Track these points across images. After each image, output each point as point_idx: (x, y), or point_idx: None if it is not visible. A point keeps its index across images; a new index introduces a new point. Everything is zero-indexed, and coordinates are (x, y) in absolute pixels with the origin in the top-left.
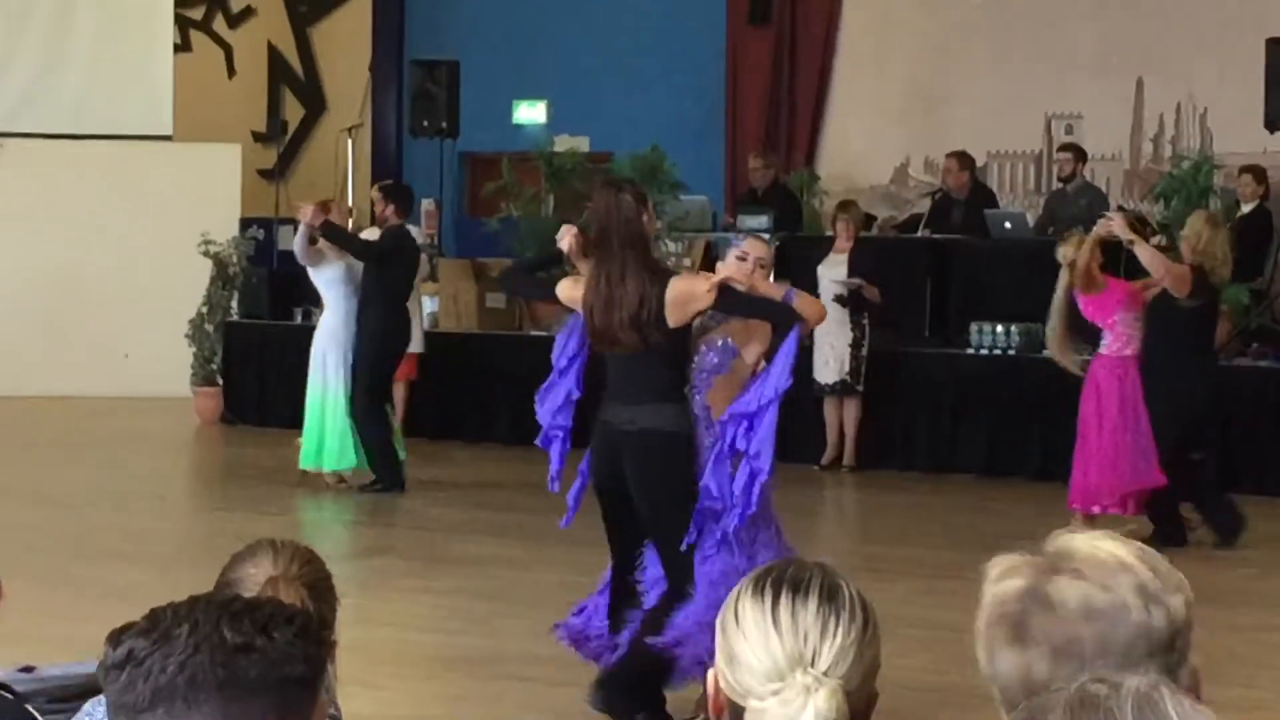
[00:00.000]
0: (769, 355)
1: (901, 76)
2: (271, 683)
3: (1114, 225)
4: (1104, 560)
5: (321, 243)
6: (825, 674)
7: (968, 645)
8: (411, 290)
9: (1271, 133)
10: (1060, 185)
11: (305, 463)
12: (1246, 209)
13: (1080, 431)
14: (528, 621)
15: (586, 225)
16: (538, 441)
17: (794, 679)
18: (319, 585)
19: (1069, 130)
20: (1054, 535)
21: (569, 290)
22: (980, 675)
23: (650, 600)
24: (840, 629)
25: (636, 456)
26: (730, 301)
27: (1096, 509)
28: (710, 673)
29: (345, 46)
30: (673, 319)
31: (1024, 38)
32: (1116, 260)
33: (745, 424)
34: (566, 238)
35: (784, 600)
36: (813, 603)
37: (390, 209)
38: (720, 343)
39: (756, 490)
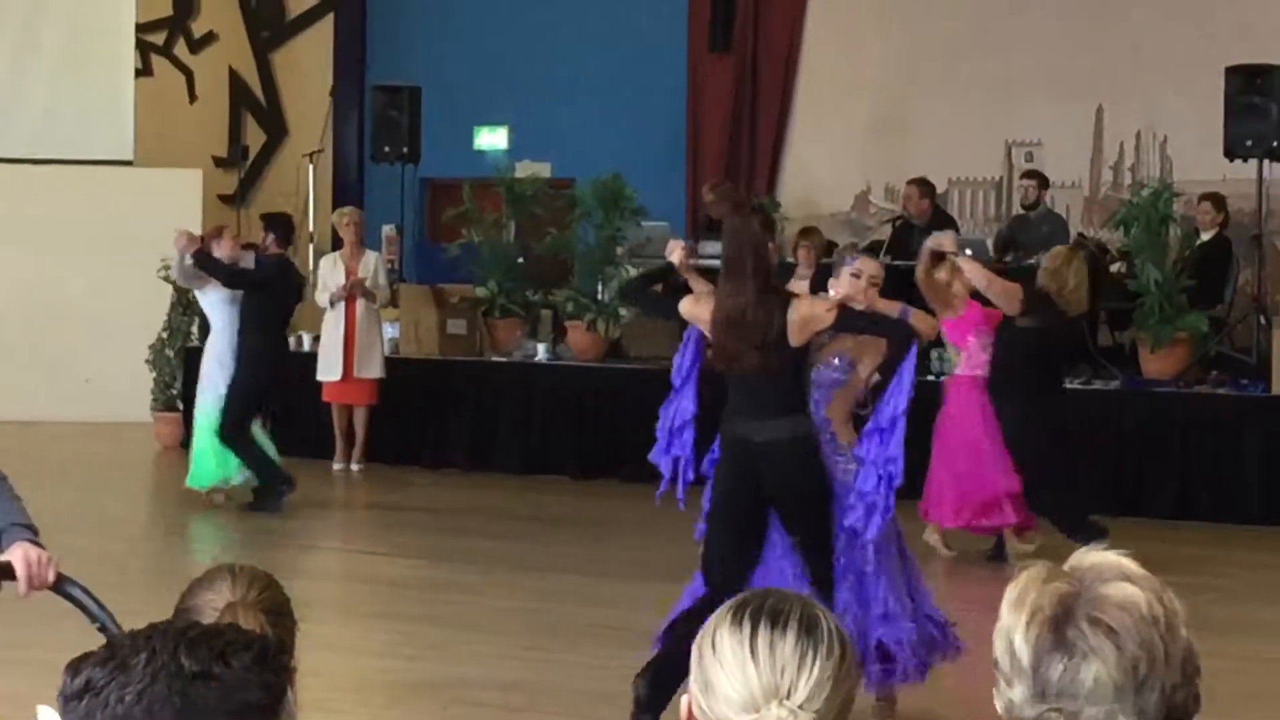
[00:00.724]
0: (883, 369)
1: (863, 103)
2: (230, 710)
3: (944, 241)
4: (1150, 576)
5: None
6: (800, 707)
7: None
8: (288, 318)
9: (1231, 161)
10: (1023, 212)
11: (195, 482)
12: (1206, 236)
13: (935, 447)
14: (486, 648)
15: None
16: (651, 456)
17: (768, 711)
18: (278, 610)
19: (1029, 158)
20: (1082, 551)
21: (690, 308)
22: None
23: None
24: (817, 662)
25: (771, 462)
26: (849, 320)
27: (948, 522)
28: (684, 699)
29: (307, 72)
30: (795, 339)
31: (985, 65)
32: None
33: (877, 439)
34: (676, 251)
35: (762, 631)
36: (791, 635)
37: (270, 238)
38: (837, 359)
39: (892, 493)
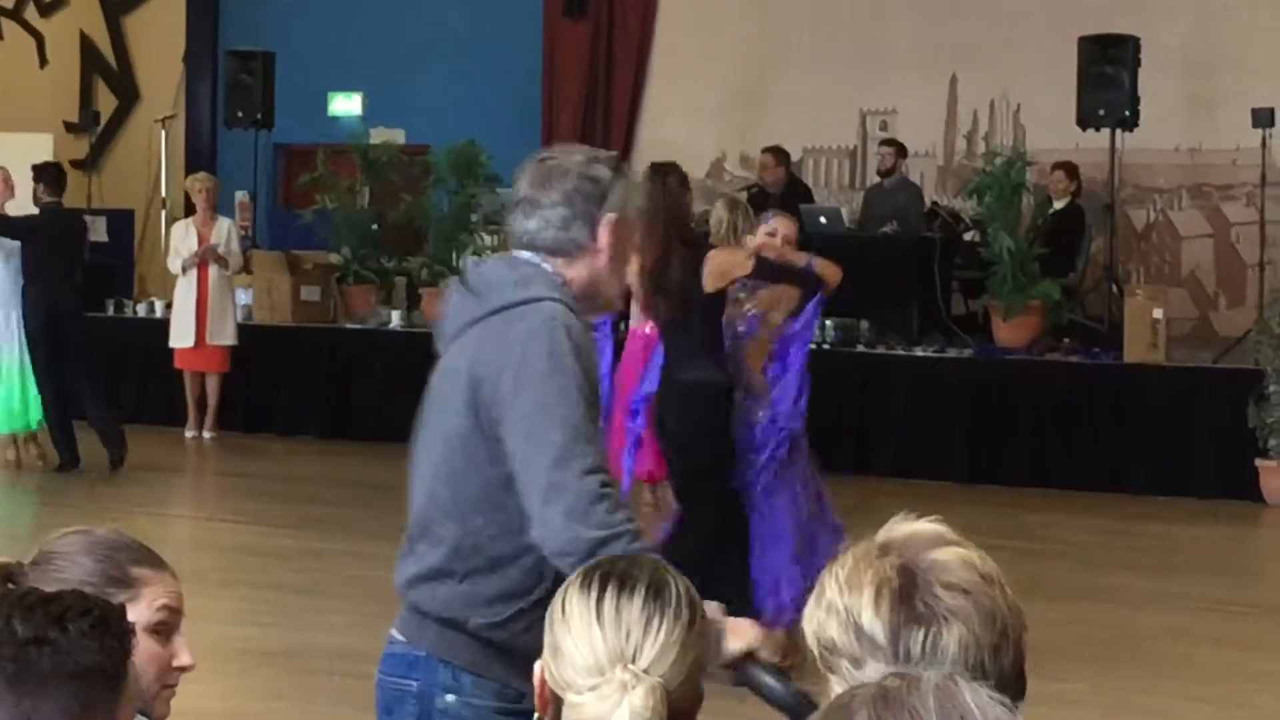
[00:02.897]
0: (795, 314)
1: (718, 71)
2: (65, 674)
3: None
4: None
5: None
6: (646, 671)
7: None
8: (70, 269)
9: (1084, 130)
10: (878, 180)
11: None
12: (1059, 205)
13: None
14: (336, 615)
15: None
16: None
17: (613, 675)
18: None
19: (884, 126)
20: (895, 521)
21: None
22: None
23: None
24: (664, 626)
25: (678, 405)
26: (764, 269)
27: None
28: (538, 665)
29: (159, 37)
30: (710, 286)
31: (840, 34)
32: None
33: (791, 386)
34: None
35: (609, 595)
36: (638, 599)
37: (40, 188)
38: (750, 313)
39: (804, 403)
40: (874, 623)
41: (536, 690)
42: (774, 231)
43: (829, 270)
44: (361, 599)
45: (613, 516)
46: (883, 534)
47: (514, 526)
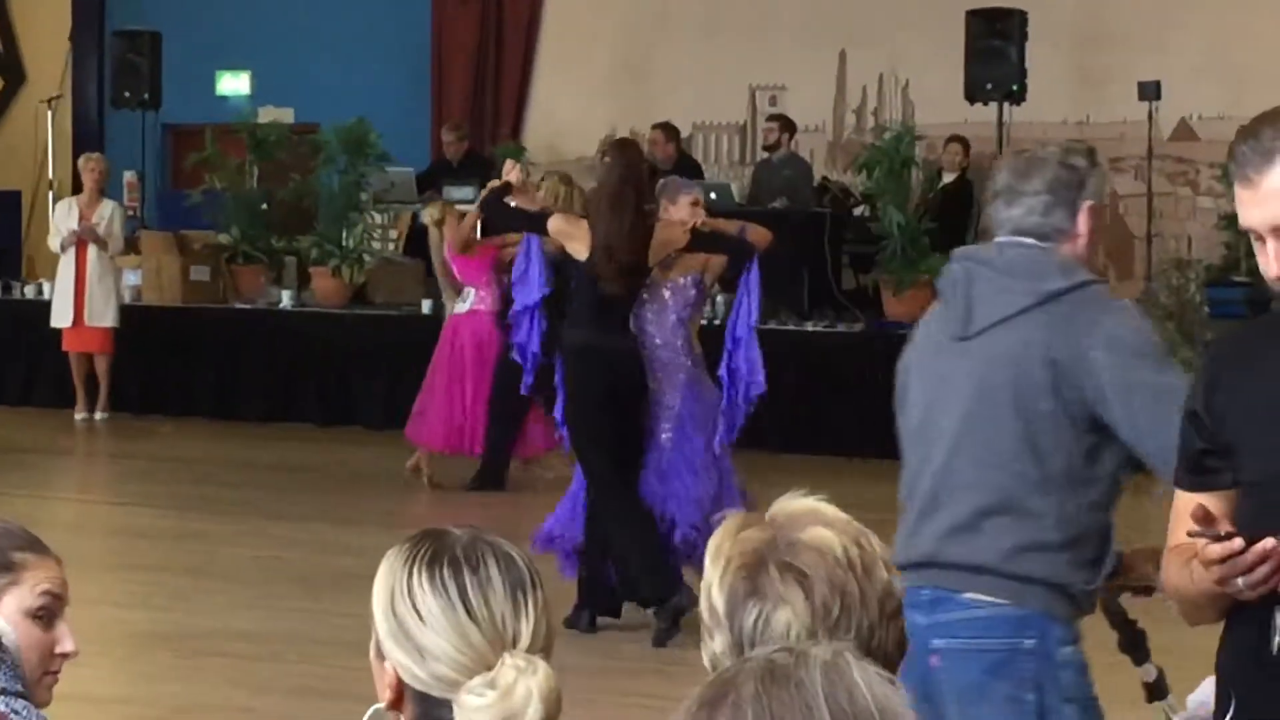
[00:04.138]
0: (724, 280)
1: (607, 47)
2: None
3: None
4: (850, 521)
5: None
6: (528, 651)
7: None
8: None
9: (971, 104)
10: (766, 156)
11: None
12: (948, 179)
13: (430, 377)
14: (227, 596)
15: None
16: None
17: (503, 665)
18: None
19: (773, 102)
20: (785, 498)
21: (561, 224)
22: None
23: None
24: (530, 602)
25: (624, 368)
26: (701, 241)
27: (432, 446)
28: (386, 664)
29: (45, 16)
30: (652, 259)
31: (729, 9)
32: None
33: (741, 353)
34: (514, 172)
35: (469, 584)
36: (497, 580)
37: None
38: (691, 278)
39: (753, 401)
40: (718, 596)
41: (389, 686)
42: (697, 200)
43: (760, 236)
44: (252, 580)
45: None
46: (772, 508)
47: (1100, 500)
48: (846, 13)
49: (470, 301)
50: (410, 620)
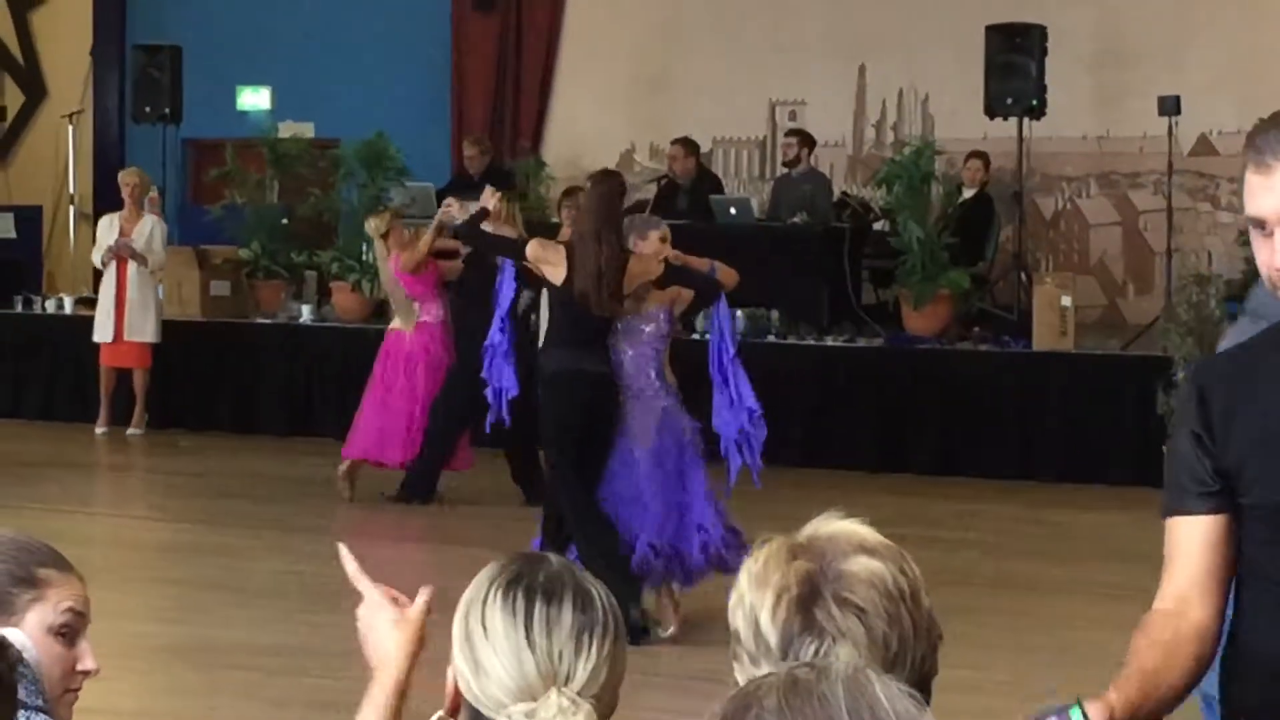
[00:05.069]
0: (685, 316)
1: (627, 62)
2: None
3: (452, 209)
4: (889, 544)
5: None
6: (579, 693)
7: None
8: None
9: (991, 119)
10: (785, 170)
11: None
12: (968, 194)
13: (371, 387)
14: (247, 610)
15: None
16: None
17: (548, 700)
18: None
19: (793, 116)
20: (820, 519)
21: (538, 250)
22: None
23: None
24: (594, 645)
25: (596, 392)
26: (672, 275)
27: (386, 463)
28: (450, 670)
29: (66, 31)
30: (625, 289)
31: (749, 24)
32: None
33: (730, 386)
34: (493, 200)
35: (538, 613)
36: (567, 616)
37: None
38: (663, 312)
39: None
40: (770, 627)
41: (448, 694)
42: (665, 236)
43: (728, 276)
44: (273, 594)
45: None
46: (807, 531)
47: None
48: (866, 27)
49: (416, 314)
50: (477, 633)
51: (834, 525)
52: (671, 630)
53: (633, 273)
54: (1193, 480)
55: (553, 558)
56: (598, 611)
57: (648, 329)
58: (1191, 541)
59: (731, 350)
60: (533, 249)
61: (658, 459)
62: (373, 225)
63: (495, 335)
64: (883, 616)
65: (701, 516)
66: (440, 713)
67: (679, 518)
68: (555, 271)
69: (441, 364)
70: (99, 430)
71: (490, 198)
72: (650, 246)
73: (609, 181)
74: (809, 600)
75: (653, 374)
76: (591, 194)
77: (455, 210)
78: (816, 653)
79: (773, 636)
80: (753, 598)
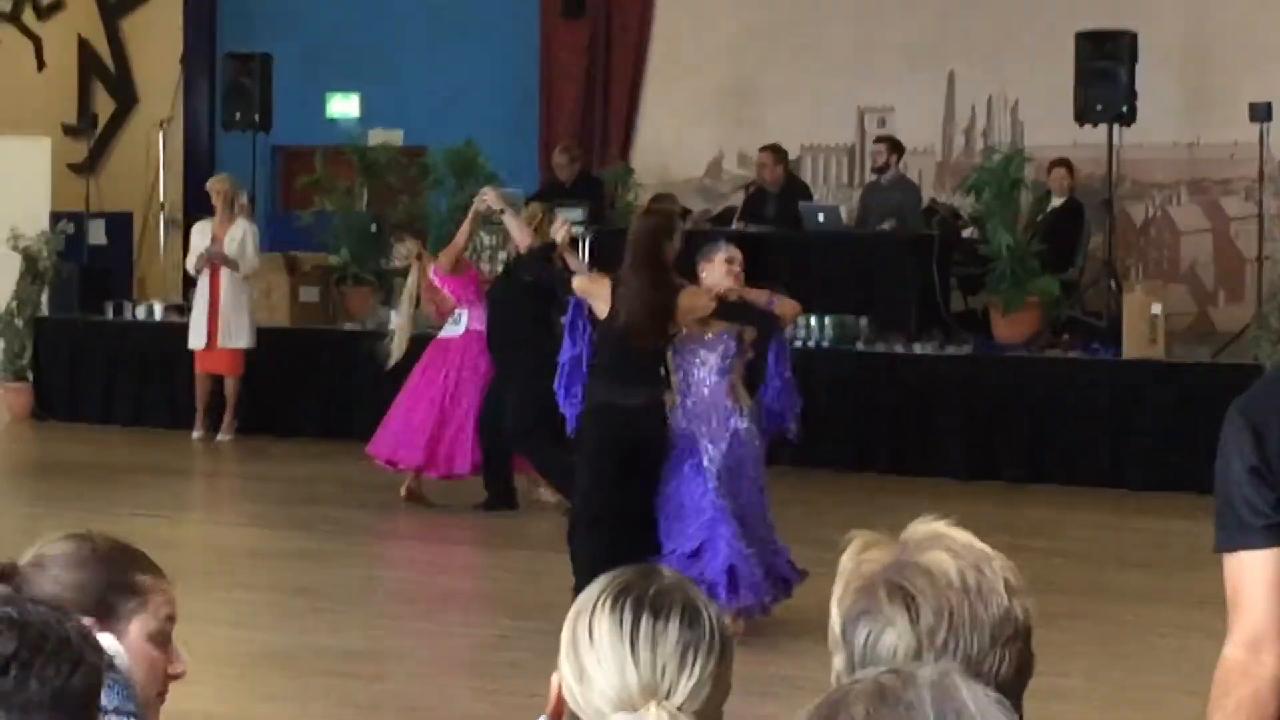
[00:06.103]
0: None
1: (716, 69)
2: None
3: (488, 198)
4: (974, 545)
5: None
6: (680, 709)
7: None
8: None
9: (1081, 126)
10: (874, 177)
11: None
12: (1057, 202)
13: (410, 389)
14: (336, 616)
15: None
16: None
17: (647, 712)
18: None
19: (881, 123)
20: (917, 522)
21: (585, 284)
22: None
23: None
24: (699, 662)
25: (639, 423)
26: (726, 311)
27: (400, 464)
28: (555, 676)
29: (156, 39)
30: (675, 326)
31: (837, 31)
32: None
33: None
34: (562, 230)
35: (644, 625)
36: (673, 630)
37: None
38: (726, 334)
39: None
40: (835, 615)
41: (552, 700)
42: (732, 258)
43: (788, 308)
44: (361, 599)
45: None
46: (906, 531)
47: None
48: (954, 34)
49: (464, 323)
50: (583, 641)
51: (930, 525)
52: None
53: (684, 308)
54: (1253, 514)
55: (666, 571)
56: (704, 629)
57: (715, 352)
58: (1257, 579)
59: (786, 373)
60: (579, 283)
61: (729, 480)
62: (402, 252)
63: (568, 349)
64: (932, 605)
65: (771, 536)
66: (543, 716)
67: (752, 535)
68: (600, 306)
69: (485, 373)
70: (195, 435)
71: (561, 227)
72: (716, 269)
73: (655, 217)
74: (868, 588)
75: (723, 395)
76: (637, 228)
77: (491, 199)
78: (868, 637)
79: (837, 624)
80: (836, 591)
